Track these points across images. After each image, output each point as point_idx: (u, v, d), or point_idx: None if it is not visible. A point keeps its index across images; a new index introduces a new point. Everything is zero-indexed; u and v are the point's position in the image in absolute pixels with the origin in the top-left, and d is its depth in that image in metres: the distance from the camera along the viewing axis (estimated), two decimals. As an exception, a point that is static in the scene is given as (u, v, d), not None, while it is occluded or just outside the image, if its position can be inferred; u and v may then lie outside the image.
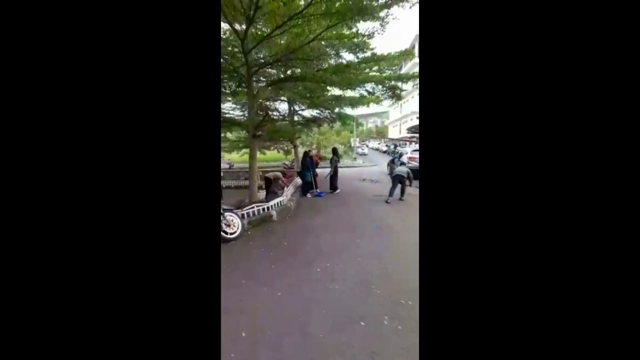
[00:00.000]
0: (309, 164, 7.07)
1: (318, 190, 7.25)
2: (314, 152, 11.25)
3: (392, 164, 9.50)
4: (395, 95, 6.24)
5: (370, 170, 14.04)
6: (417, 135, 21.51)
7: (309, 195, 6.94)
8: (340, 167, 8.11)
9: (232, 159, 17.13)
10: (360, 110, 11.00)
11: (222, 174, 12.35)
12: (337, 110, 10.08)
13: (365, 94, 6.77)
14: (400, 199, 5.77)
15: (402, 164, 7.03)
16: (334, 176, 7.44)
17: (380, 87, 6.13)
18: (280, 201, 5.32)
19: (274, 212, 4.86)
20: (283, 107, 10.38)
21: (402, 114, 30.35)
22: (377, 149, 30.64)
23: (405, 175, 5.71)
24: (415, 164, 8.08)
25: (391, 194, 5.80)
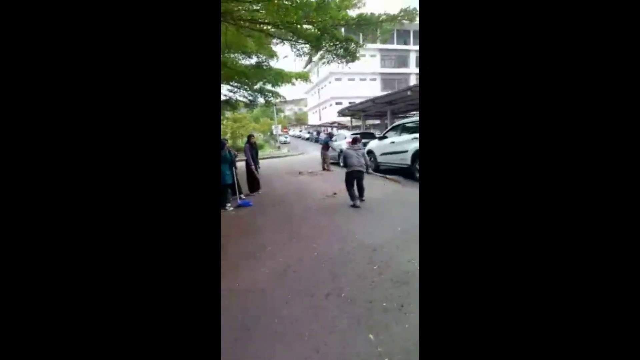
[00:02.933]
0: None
1: (243, 197, 4.99)
2: (229, 142, 8.72)
3: (324, 150, 8.27)
4: (350, 53, 4.40)
5: (299, 159, 12.32)
6: (341, 120, 21.61)
7: (229, 207, 4.56)
8: (263, 157, 6.16)
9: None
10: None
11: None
12: (257, 86, 7.96)
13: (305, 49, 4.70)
14: (362, 200, 4.22)
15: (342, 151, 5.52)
16: (249, 171, 5.43)
17: (334, 42, 4.18)
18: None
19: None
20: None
21: (321, 99, 29.63)
22: (299, 137, 29.30)
23: (364, 170, 4.21)
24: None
25: (353, 197, 4.18)
